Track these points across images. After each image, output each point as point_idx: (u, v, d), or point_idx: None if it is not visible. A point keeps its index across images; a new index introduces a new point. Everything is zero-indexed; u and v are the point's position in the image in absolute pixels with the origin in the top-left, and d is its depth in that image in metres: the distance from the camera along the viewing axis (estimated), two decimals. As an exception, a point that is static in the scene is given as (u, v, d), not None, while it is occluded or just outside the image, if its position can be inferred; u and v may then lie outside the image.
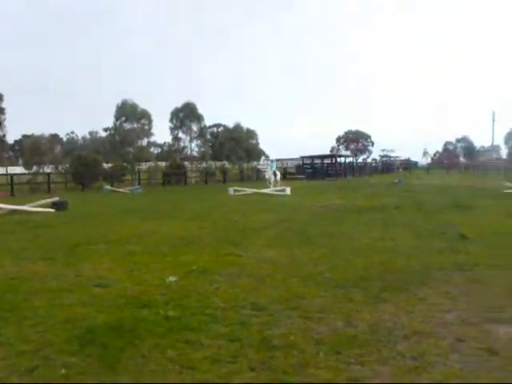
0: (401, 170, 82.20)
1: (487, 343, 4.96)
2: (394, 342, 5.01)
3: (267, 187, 30.12)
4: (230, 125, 55.28)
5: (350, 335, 5.23)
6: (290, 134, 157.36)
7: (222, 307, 6.26)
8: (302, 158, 59.85)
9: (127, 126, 44.43)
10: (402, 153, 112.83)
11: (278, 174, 35.27)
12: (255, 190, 29.15)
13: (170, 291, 7.09)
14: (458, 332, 5.29)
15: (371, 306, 6.23)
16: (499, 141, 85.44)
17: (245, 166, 51.82)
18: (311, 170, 56.30)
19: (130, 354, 4.78)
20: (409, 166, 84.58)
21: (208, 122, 54.98)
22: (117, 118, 44.44)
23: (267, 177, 33.63)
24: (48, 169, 39.10)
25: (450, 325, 5.53)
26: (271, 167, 34.80)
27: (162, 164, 49.29)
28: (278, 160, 66.55)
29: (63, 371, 4.42)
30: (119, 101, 44.60)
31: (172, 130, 49.40)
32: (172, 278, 7.81)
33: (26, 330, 5.52)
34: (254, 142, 53.51)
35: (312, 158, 58.41)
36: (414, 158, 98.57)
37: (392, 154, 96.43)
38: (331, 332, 5.35)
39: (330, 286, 7.23)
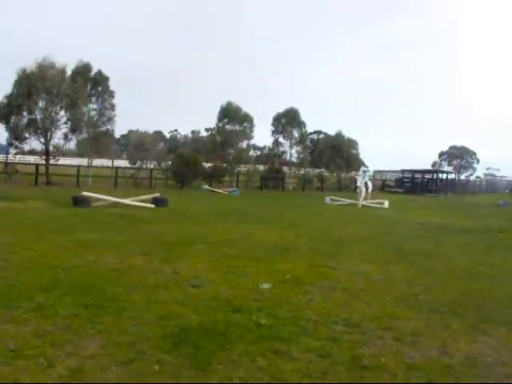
0: (507, 191, 78.25)
1: None
2: (495, 380, 4.76)
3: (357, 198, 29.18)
4: (332, 133, 55.03)
5: (444, 364, 5.02)
6: (392, 145, 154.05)
7: (314, 320, 6.22)
8: (403, 171, 58.44)
9: (229, 127, 45.23)
10: (509, 172, 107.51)
11: (370, 185, 31.65)
12: (353, 201, 28.80)
13: (263, 298, 7.14)
14: None
15: (469, 336, 5.95)
16: None
17: (343, 175, 51.30)
18: (410, 183, 54.85)
19: (220, 357, 4.85)
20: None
21: (309, 128, 54.98)
22: (220, 118, 45.36)
23: (358, 186, 29.57)
24: (151, 165, 40.56)
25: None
26: (363, 177, 30.75)
27: (261, 167, 49.73)
28: (378, 171, 65.38)
29: (157, 367, 4.56)
30: (223, 102, 45.53)
31: (273, 134, 49.74)
32: (266, 285, 7.85)
33: (123, 322, 5.76)
34: (354, 151, 52.84)
35: (413, 171, 56.87)
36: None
37: (498, 173, 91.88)
38: (424, 358, 5.17)
39: (425, 309, 6.99)
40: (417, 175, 57.02)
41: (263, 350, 5.11)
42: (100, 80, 37.73)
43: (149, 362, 4.69)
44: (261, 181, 45.30)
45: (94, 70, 37.92)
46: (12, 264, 8.48)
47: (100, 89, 37.92)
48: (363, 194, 28.88)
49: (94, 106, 38.09)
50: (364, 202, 28.28)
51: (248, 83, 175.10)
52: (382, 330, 5.99)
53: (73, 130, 35.12)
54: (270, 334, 5.58)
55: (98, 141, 37.92)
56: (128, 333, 5.42)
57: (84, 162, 40.15)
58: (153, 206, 20.53)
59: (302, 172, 49.82)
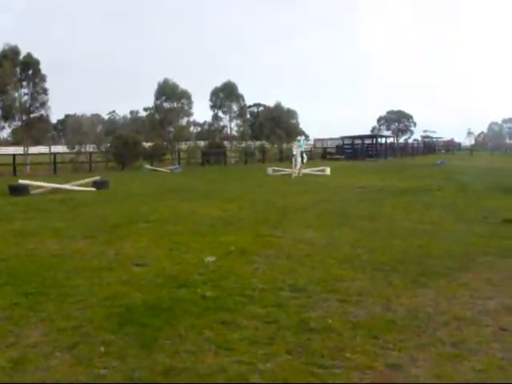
0: (443, 151, 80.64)
1: (531, 332, 4.82)
2: (434, 328, 4.92)
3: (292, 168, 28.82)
4: (271, 105, 55.11)
5: (388, 320, 5.15)
6: (330, 114, 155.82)
7: (260, 288, 6.26)
8: (343, 138, 59.15)
9: (167, 105, 44.62)
10: (444, 134, 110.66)
11: (305, 156, 30.31)
12: (294, 170, 29.00)
13: (208, 271, 7.13)
14: (500, 320, 5.15)
15: (410, 291, 6.13)
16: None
17: (284, 146, 51.54)
18: (351, 150, 55.67)
19: (167, 333, 4.82)
20: (452, 147, 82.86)
21: (248, 101, 54.89)
22: (157, 97, 44.66)
23: (294, 155, 28.14)
24: (90, 148, 39.68)
25: (492, 312, 5.39)
26: (299, 146, 29.19)
27: (202, 143, 49.41)
28: (318, 140, 65.92)
29: (102, 349, 4.49)
30: (160, 80, 44.80)
31: (212, 109, 49.38)
32: (210, 259, 7.84)
33: (66, 307, 5.64)
34: (294, 122, 53.12)
35: (352, 138, 57.66)
36: (457, 140, 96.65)
37: (434, 135, 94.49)
38: (369, 316, 5.29)
39: (369, 269, 7.15)
40: (357, 141, 57.89)
41: (210, 321, 5.10)
42: (30, 63, 36.35)
43: (94, 344, 4.60)
44: (202, 157, 44.96)
45: (23, 54, 36.53)
46: None
47: (30, 72, 36.56)
48: (299, 163, 27.88)
49: (25, 91, 36.77)
50: (301, 171, 28.37)
51: (185, 59, 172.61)
52: (328, 293, 6.07)
53: (4, 117, 33.89)
54: (216, 305, 5.58)
55: (33, 127, 36.76)
56: (71, 317, 5.30)
57: (20, 150, 38.84)
58: (94, 189, 20.12)
59: (244, 145, 49.76)
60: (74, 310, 5.54)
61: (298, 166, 27.73)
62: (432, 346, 4.51)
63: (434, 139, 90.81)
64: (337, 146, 59.29)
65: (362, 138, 58.15)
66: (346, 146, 57.40)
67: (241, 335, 4.75)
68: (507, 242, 8.89)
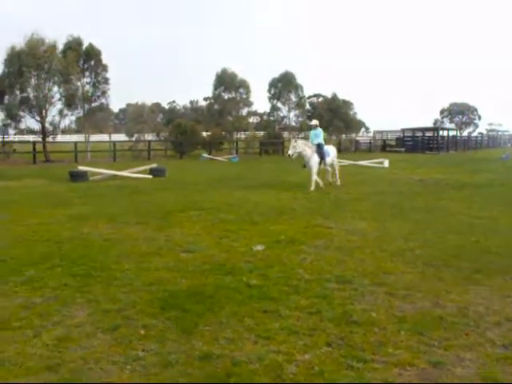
0: (509, 145, 77.77)
1: None
2: (484, 328, 4.70)
3: (363, 159, 27.20)
4: (329, 95, 54.63)
5: (435, 316, 4.97)
6: (390, 107, 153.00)
7: (306, 279, 6.17)
8: (403, 130, 57.88)
9: (226, 95, 44.79)
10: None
11: (331, 151, 17.75)
12: (352, 162, 28.60)
13: (255, 260, 7.10)
14: (557, 321, 4.87)
15: (462, 288, 5.89)
16: None
17: (343, 137, 51.01)
18: (412, 142, 54.42)
19: (208, 320, 4.81)
20: (519, 140, 79.75)
21: (308, 92, 54.53)
22: (216, 87, 44.90)
23: (304, 156, 16.57)
24: (149, 136, 40.32)
25: (548, 313, 5.10)
26: (316, 137, 17.18)
27: (260, 134, 49.41)
28: (378, 132, 64.67)
29: (143, 332, 4.53)
30: (218, 70, 45.00)
31: (270, 99, 49.27)
32: (259, 247, 7.81)
33: (112, 290, 5.73)
34: (351, 113, 52.45)
35: (413, 130, 56.37)
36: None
37: (500, 129, 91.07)
38: (416, 311, 5.11)
39: (420, 263, 6.94)
40: (417, 134, 56.55)
41: (252, 310, 5.06)
42: (92, 54, 37.20)
43: (135, 327, 4.65)
44: (260, 147, 45.00)
45: (85, 45, 37.40)
46: (5, 240, 8.43)
47: (92, 63, 37.44)
48: (315, 166, 16.58)
49: (88, 81, 37.69)
50: (363, 162, 27.53)
51: (244, 49, 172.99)
52: (375, 286, 5.93)
53: (68, 106, 34.90)
54: (260, 294, 5.53)
55: (95, 116, 37.67)
56: (116, 300, 5.38)
57: (83, 138, 39.94)
58: (150, 176, 20.46)
59: (302, 136, 49.47)
60: (119, 293, 5.62)
61: (316, 170, 16.60)
62: (481, 346, 4.31)
63: (500, 132, 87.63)
64: (397, 139, 58.07)
65: (422, 130, 56.74)
66: (406, 139, 56.15)
67: (281, 325, 4.69)
68: None
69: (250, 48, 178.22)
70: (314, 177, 16.42)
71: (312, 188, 15.94)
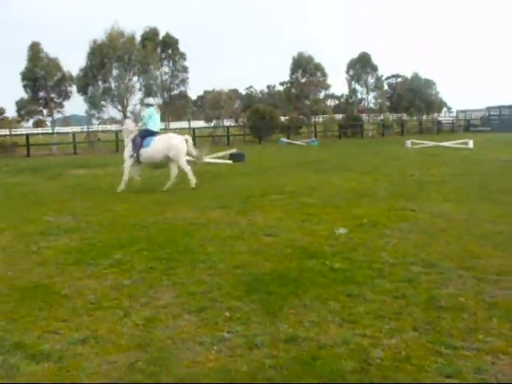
0: None
1: None
2: None
3: (446, 140, 26.20)
4: (408, 75, 53.22)
5: (531, 303, 4.71)
6: (474, 84, 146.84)
7: (390, 262, 6.02)
8: (488, 108, 55.48)
9: (303, 78, 44.54)
10: None
11: (164, 144, 13.22)
12: (435, 143, 27.74)
13: (338, 243, 7.00)
14: None
15: (560, 272, 5.56)
16: None
17: (424, 118, 49.56)
18: (498, 121, 52.06)
19: (292, 303, 4.79)
20: None
21: (386, 73, 53.39)
22: (293, 70, 44.73)
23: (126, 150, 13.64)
24: (227, 122, 40.78)
25: None
26: (145, 122, 13.57)
27: (339, 116, 48.89)
28: (461, 111, 62.22)
29: (228, 314, 4.57)
30: (295, 54, 44.78)
31: (349, 81, 48.59)
32: (342, 230, 7.70)
33: (197, 273, 5.81)
34: (433, 92, 50.84)
35: (500, 108, 53.89)
36: None
37: None
38: (509, 297, 4.84)
39: (511, 247, 6.61)
40: (505, 111, 53.98)
41: (336, 293, 4.99)
42: (169, 43, 37.99)
43: (220, 309, 4.69)
44: (339, 130, 44.52)
45: (162, 34, 38.28)
46: (93, 225, 8.75)
47: (170, 51, 38.23)
48: (127, 158, 13.45)
49: (166, 70, 38.56)
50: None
51: (321, 31, 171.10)
52: (462, 270, 5.69)
53: (148, 95, 35.92)
54: (344, 277, 5.45)
55: (174, 103, 38.51)
56: (201, 283, 5.45)
57: (163, 125, 40.93)
58: (230, 161, 20.66)
59: (381, 118, 48.54)
60: (204, 275, 5.70)
61: (126, 164, 13.36)
62: None
63: None
64: (481, 118, 55.72)
65: (510, 107, 54.10)
66: (492, 117, 53.76)
67: (366, 309, 4.59)
68: None
69: (325, 30, 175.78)
70: (126, 172, 13.20)
71: (121, 188, 12.89)
